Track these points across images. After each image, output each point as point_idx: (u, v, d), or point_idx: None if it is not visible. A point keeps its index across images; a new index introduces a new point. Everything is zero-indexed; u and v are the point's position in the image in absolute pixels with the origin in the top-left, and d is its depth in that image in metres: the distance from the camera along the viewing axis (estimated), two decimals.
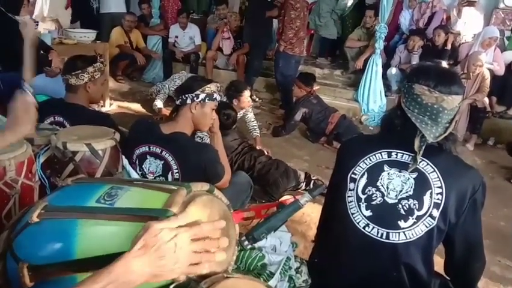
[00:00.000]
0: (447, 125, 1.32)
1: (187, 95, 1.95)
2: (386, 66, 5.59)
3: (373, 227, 1.32)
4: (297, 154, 4.24)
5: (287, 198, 1.41)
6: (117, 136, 1.65)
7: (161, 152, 1.93)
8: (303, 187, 3.26)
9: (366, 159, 1.38)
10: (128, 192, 0.98)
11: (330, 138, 4.40)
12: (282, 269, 1.36)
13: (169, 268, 0.77)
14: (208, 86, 1.97)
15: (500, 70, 5.04)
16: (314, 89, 4.63)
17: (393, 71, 5.58)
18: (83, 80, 2.19)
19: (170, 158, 1.91)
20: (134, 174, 1.91)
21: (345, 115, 4.62)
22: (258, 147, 3.88)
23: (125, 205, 0.93)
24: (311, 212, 2.85)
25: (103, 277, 0.73)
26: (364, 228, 1.33)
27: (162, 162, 1.93)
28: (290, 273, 1.40)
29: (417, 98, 1.32)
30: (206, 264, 0.81)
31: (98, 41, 4.71)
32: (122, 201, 0.95)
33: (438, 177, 1.30)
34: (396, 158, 1.35)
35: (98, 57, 2.28)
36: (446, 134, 1.30)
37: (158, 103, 4.89)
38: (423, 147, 1.29)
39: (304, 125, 4.64)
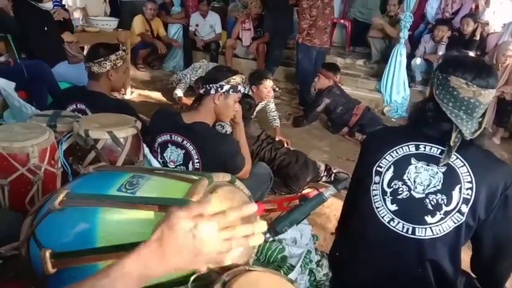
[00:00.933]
0: (480, 119, 1.27)
1: (211, 85, 1.93)
2: (410, 56, 5.46)
3: (398, 222, 1.28)
4: (317, 145, 4.20)
5: (310, 191, 1.38)
6: (138, 124, 1.65)
7: (182, 141, 1.93)
8: (324, 179, 3.23)
9: (392, 151, 1.34)
10: (149, 181, 0.97)
11: (353, 130, 4.33)
12: (302, 262, 1.34)
13: (188, 261, 0.71)
14: (234, 77, 1.95)
15: None
16: (339, 79, 4.53)
17: (417, 61, 5.44)
18: (105, 67, 2.19)
19: (191, 148, 1.91)
20: (155, 163, 1.92)
21: (369, 107, 4.53)
22: (277, 138, 3.84)
23: (146, 194, 0.92)
24: (331, 204, 2.81)
25: (116, 271, 0.69)
26: (389, 222, 1.29)
27: (183, 151, 1.93)
28: (311, 267, 1.37)
29: (453, 91, 1.26)
30: (236, 250, 0.74)
31: (119, 29, 4.72)
32: (144, 190, 0.94)
33: (468, 171, 1.25)
34: (424, 151, 1.30)
35: (121, 45, 2.28)
36: (481, 130, 1.25)
37: (179, 92, 4.90)
38: (458, 143, 1.24)
39: (326, 116, 4.57)
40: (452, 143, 1.24)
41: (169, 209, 0.78)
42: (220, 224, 0.72)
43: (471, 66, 1.28)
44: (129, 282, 0.69)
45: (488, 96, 1.25)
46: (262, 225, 0.76)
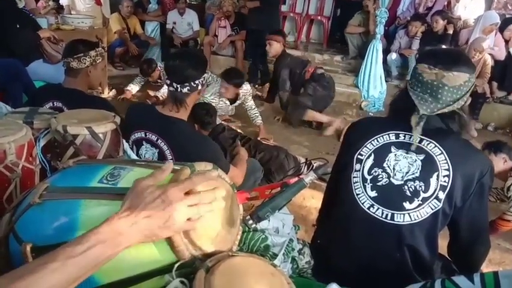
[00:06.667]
0: (451, 103, 1.30)
1: (196, 82, 1.84)
2: (385, 51, 5.56)
3: (378, 208, 1.31)
4: (297, 140, 4.24)
5: (290, 178, 1.40)
6: (117, 119, 1.63)
7: (157, 140, 1.87)
8: (305, 171, 3.26)
9: (373, 140, 1.37)
10: (131, 173, 0.96)
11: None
12: (285, 250, 1.36)
13: (159, 227, 0.74)
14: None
15: (501, 54, 5.01)
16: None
17: (393, 56, 5.55)
18: (84, 63, 2.16)
19: (165, 148, 1.85)
20: (135, 158, 1.89)
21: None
22: (261, 135, 3.86)
23: (128, 185, 0.91)
24: (311, 197, 2.85)
25: (89, 238, 0.70)
26: (369, 208, 1.32)
27: (157, 150, 1.88)
28: (293, 255, 1.39)
29: (419, 76, 1.33)
30: (204, 216, 0.78)
31: (95, 27, 4.65)
32: (126, 181, 0.93)
33: (446, 159, 1.28)
34: (404, 139, 1.34)
35: (100, 42, 2.26)
36: (445, 110, 1.29)
37: (134, 88, 4.97)
38: (421, 124, 1.29)
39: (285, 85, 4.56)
40: (413, 125, 1.29)
41: None
42: (185, 190, 0.77)
43: (436, 53, 1.36)
44: (103, 248, 0.70)
45: (454, 79, 1.29)
46: (222, 192, 0.82)
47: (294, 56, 4.66)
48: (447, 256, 1.50)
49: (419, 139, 1.32)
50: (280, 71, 4.47)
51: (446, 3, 5.84)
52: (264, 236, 1.37)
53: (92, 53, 2.18)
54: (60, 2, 5.41)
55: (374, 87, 5.39)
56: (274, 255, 1.30)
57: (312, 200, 2.86)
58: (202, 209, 0.77)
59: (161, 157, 1.87)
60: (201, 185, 0.86)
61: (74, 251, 0.68)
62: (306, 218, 2.71)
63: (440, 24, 5.28)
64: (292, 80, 4.49)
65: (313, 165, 3.26)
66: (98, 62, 2.22)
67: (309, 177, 0.95)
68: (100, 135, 1.53)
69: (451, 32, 5.31)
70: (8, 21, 3.22)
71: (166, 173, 0.81)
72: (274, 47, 4.49)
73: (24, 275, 0.65)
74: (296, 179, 0.96)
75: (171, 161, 1.83)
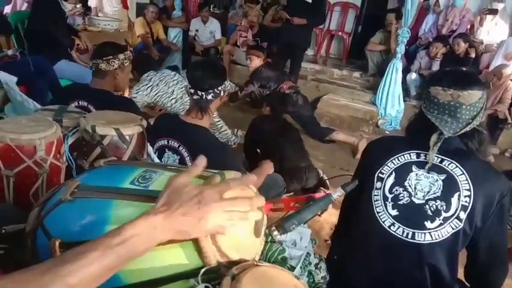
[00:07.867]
0: (470, 120, 1.32)
1: (220, 88, 1.92)
2: (405, 71, 5.55)
3: (398, 227, 1.32)
4: (312, 154, 4.23)
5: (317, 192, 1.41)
6: (144, 123, 1.67)
7: (178, 147, 1.91)
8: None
9: (394, 159, 1.39)
10: (162, 176, 0.98)
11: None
12: (302, 263, 1.36)
13: (193, 225, 0.75)
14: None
15: None
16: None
17: (413, 76, 5.54)
18: (113, 66, 2.21)
19: (186, 154, 1.90)
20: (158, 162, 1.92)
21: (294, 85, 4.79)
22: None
23: (160, 188, 0.93)
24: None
25: (125, 230, 0.73)
26: (389, 227, 1.33)
27: (178, 157, 1.92)
28: (310, 269, 1.39)
29: (433, 99, 1.35)
30: (238, 222, 0.78)
31: (121, 30, 4.76)
32: (157, 184, 0.95)
33: (467, 180, 1.29)
34: (425, 159, 1.36)
35: (128, 46, 2.32)
36: (467, 128, 1.31)
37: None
38: (438, 144, 1.31)
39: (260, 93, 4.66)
40: (432, 144, 1.31)
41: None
42: (222, 194, 0.77)
43: (447, 75, 1.37)
44: (138, 241, 0.73)
45: (469, 97, 1.31)
46: (260, 200, 0.81)
47: (272, 71, 4.75)
48: (464, 280, 1.49)
49: (439, 159, 1.34)
50: (253, 80, 4.63)
51: (469, 26, 5.83)
52: (281, 248, 1.38)
53: (121, 56, 2.23)
54: (88, 3, 5.53)
55: (392, 105, 5.37)
56: (292, 268, 1.31)
57: (324, 214, 2.84)
58: (236, 216, 0.78)
59: (182, 164, 1.91)
60: (236, 190, 0.88)
61: (112, 242, 0.71)
62: (319, 233, 2.70)
63: (461, 46, 5.27)
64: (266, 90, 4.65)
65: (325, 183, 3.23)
66: (126, 65, 2.28)
67: (337, 193, 0.96)
68: (127, 137, 1.57)
69: (473, 55, 5.29)
70: (50, 18, 3.33)
71: (199, 168, 0.83)
72: (255, 62, 4.64)
73: (65, 263, 0.68)
74: (323, 193, 0.98)
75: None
